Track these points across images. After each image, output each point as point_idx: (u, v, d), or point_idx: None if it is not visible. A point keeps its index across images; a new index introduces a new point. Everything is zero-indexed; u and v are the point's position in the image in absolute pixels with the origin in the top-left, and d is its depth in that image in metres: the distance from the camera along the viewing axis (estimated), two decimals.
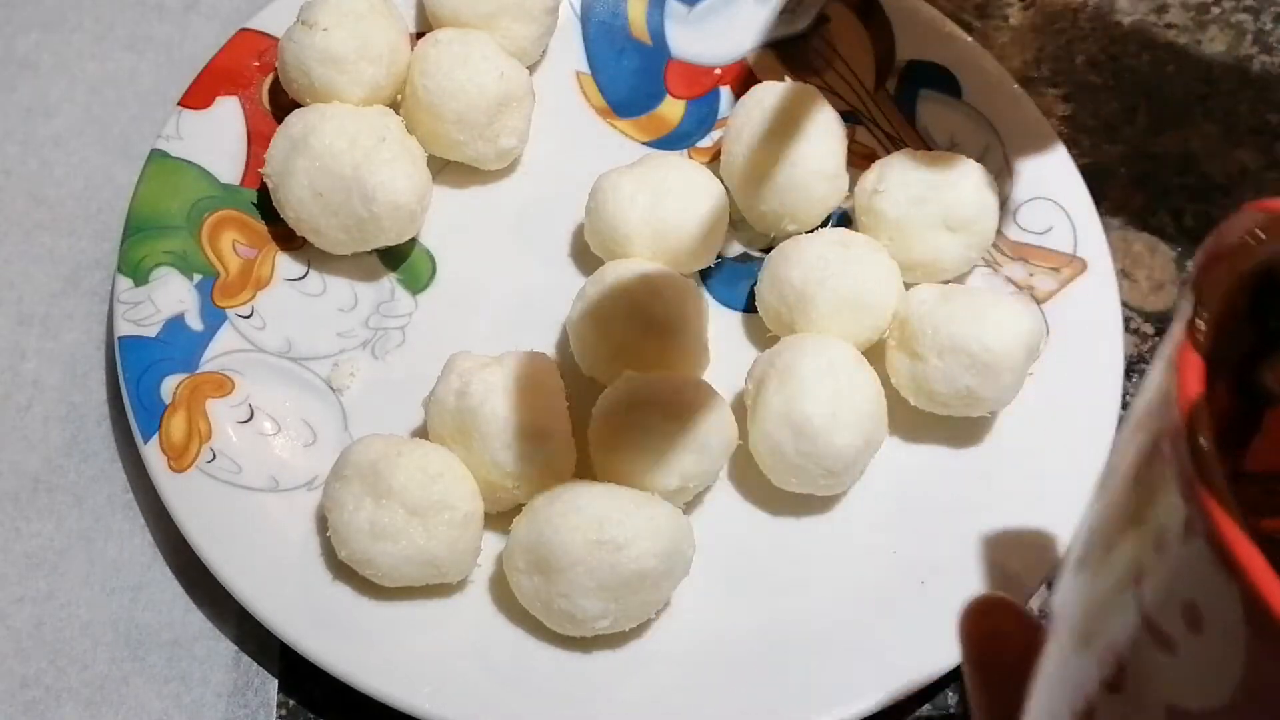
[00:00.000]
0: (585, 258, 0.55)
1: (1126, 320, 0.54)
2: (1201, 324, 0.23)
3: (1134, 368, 0.56)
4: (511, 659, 0.47)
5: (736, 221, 0.56)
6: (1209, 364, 0.22)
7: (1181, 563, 0.22)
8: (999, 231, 0.55)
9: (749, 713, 0.46)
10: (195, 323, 0.52)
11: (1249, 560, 0.20)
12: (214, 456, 0.49)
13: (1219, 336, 0.23)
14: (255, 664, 0.48)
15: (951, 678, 0.47)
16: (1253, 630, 0.21)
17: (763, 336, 0.53)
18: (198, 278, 0.53)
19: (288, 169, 0.52)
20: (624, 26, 0.62)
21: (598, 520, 0.45)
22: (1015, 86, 0.59)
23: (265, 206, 0.54)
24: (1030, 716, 0.30)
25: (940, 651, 0.46)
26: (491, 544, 0.48)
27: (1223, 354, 0.23)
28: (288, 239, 0.54)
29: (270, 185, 0.53)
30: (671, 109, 0.60)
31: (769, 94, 0.55)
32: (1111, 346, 0.53)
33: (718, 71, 0.61)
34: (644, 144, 0.59)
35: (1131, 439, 0.24)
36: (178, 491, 0.48)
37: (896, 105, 0.60)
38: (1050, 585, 0.50)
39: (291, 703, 0.48)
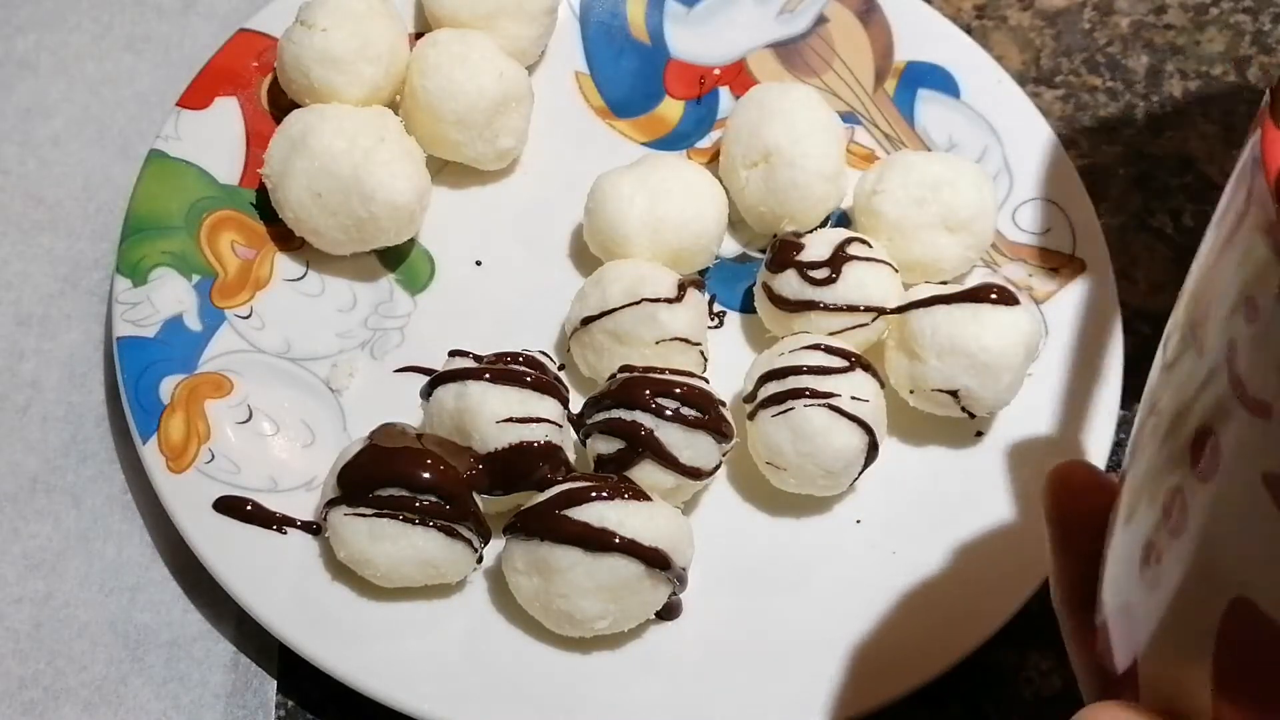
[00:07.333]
0: (584, 258, 0.55)
1: (1125, 320, 0.54)
2: None
3: (1133, 368, 0.56)
4: (511, 660, 0.47)
5: (735, 222, 0.56)
6: None
7: (1275, 320, 0.22)
8: (998, 232, 0.55)
9: (748, 713, 0.46)
10: (194, 323, 0.52)
11: None
12: (212, 457, 0.49)
13: None
14: (254, 665, 0.48)
15: (951, 678, 0.47)
16: None
17: (762, 336, 0.53)
18: (196, 278, 0.53)
19: (287, 169, 0.52)
20: (623, 26, 0.61)
21: (597, 520, 0.45)
22: (1014, 86, 0.59)
23: (264, 207, 0.54)
24: (1111, 551, 0.31)
25: (941, 652, 0.46)
26: (491, 544, 0.47)
27: None
28: (286, 239, 0.54)
29: (269, 185, 0.53)
30: (670, 109, 0.60)
31: (768, 94, 0.55)
32: (1110, 347, 0.53)
33: (717, 72, 0.61)
34: (643, 144, 0.59)
35: (1212, 239, 0.25)
36: (176, 492, 0.48)
37: (895, 105, 0.60)
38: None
39: (290, 703, 0.48)
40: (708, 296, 0.55)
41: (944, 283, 0.53)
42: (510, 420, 0.47)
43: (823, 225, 0.55)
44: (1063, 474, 0.36)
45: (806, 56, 0.61)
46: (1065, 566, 0.35)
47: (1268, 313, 0.22)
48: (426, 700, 0.45)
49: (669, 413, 0.47)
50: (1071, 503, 0.35)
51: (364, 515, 0.45)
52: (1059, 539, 0.36)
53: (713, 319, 0.55)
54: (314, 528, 0.48)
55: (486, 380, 0.47)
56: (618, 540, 0.44)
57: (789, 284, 0.51)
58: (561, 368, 0.51)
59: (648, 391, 0.47)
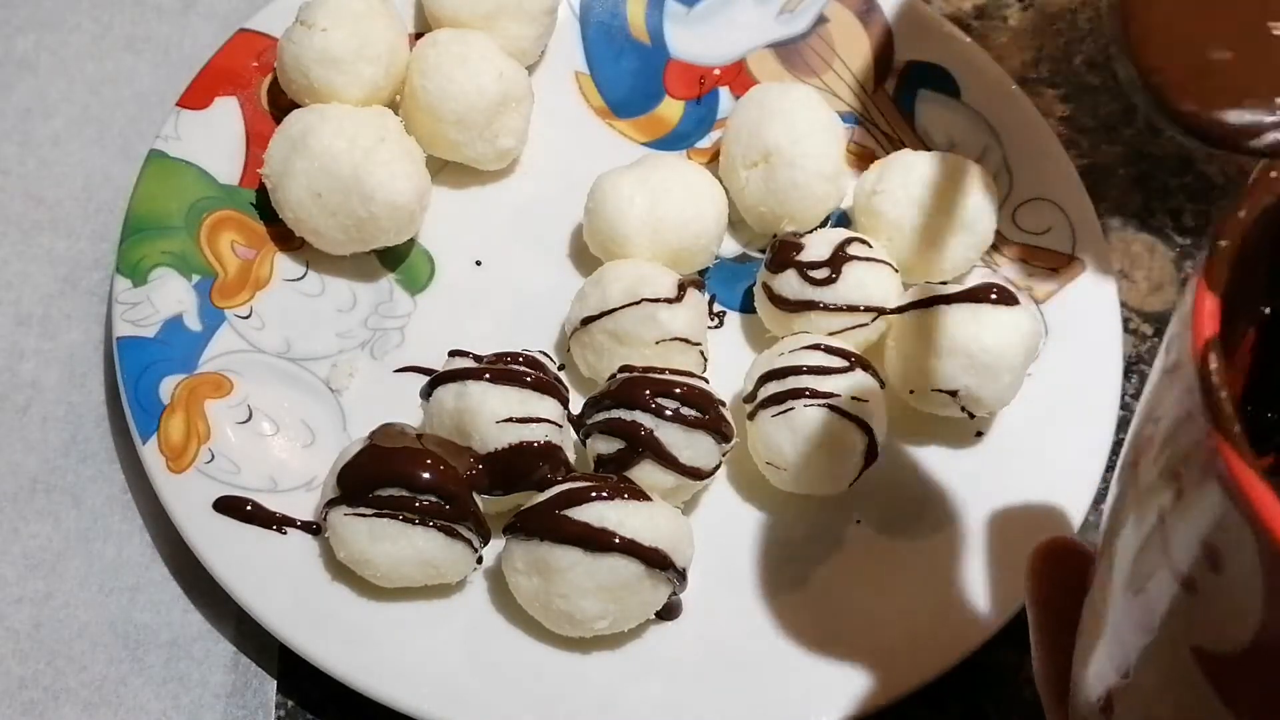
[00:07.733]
0: (584, 258, 0.55)
1: (1125, 320, 0.54)
2: (1220, 263, 0.22)
3: (1133, 368, 0.56)
4: (510, 660, 0.47)
5: (735, 222, 0.56)
6: (1230, 307, 0.22)
7: (1200, 504, 0.22)
8: (998, 232, 0.55)
9: (748, 713, 0.46)
10: (194, 323, 0.52)
11: (1262, 501, 0.20)
12: (212, 457, 0.49)
13: (1238, 275, 0.22)
14: (254, 665, 0.48)
15: (951, 678, 0.47)
16: (1269, 570, 0.21)
17: (762, 336, 0.53)
18: (196, 278, 0.53)
19: (287, 169, 0.52)
20: (623, 27, 0.61)
21: (596, 520, 0.45)
22: (1014, 87, 0.59)
23: (264, 207, 0.54)
24: (1079, 654, 0.29)
25: (941, 652, 0.47)
26: (491, 544, 0.47)
27: (1249, 299, 0.22)
28: (286, 239, 0.54)
29: (269, 186, 0.53)
30: (670, 109, 0.60)
31: (768, 95, 0.55)
32: (1110, 346, 0.53)
33: (717, 72, 0.61)
34: (643, 144, 0.59)
35: (1155, 390, 0.24)
36: (176, 492, 0.48)
37: (895, 106, 0.60)
38: None
39: (290, 703, 0.48)
40: (708, 296, 0.55)
41: (944, 283, 0.53)
42: (510, 420, 0.47)
43: (823, 225, 0.55)
44: (1046, 551, 0.32)
45: (806, 56, 0.61)
46: (1049, 653, 0.31)
47: (1192, 485, 0.22)
48: (426, 700, 0.45)
49: (669, 413, 0.47)
50: (1056, 583, 0.31)
51: (364, 515, 0.45)
52: (1043, 624, 0.32)
53: (713, 319, 0.55)
54: (314, 528, 0.48)
55: (486, 380, 0.47)
56: (618, 540, 0.44)
57: (789, 284, 0.51)
58: (561, 368, 0.51)
59: (648, 391, 0.47)
